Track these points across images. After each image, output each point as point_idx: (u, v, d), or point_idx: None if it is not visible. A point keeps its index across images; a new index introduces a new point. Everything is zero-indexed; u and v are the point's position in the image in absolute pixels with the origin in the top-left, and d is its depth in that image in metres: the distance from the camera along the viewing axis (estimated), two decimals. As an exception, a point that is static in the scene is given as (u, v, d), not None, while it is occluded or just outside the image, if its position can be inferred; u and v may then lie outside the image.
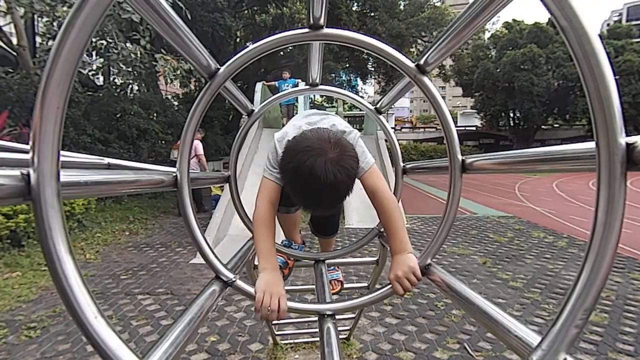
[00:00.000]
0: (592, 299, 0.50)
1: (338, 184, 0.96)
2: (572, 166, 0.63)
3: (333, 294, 1.71)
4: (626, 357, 3.02)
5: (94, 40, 8.02)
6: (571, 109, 30.29)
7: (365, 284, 2.09)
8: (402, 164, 1.47)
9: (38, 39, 10.31)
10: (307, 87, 1.39)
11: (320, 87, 1.40)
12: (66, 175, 0.54)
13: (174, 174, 0.90)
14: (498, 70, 30.84)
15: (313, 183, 0.95)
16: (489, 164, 0.87)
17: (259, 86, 9.82)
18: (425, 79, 0.92)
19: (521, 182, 18.04)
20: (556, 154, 0.65)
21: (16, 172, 0.46)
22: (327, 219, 1.74)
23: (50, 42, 8.67)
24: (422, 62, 0.91)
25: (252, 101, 1.53)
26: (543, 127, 34.61)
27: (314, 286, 1.25)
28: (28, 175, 0.46)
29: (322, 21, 0.86)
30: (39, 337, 3.25)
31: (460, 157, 0.93)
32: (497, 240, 6.87)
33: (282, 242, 1.73)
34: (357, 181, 1.21)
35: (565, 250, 6.24)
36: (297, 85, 7.43)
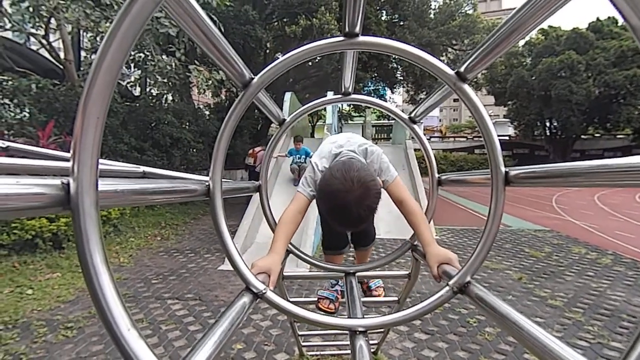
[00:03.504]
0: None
1: (362, 218, 1.17)
2: (636, 181, 0.57)
3: (377, 296, 1.95)
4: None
5: (132, 53, 8.45)
6: (614, 118, 28.70)
7: (395, 298, 2.02)
8: (437, 175, 1.41)
9: (83, 53, 10.99)
10: (339, 96, 1.37)
11: (353, 96, 1.38)
12: (104, 184, 0.54)
13: (207, 184, 0.90)
14: (533, 78, 29.75)
15: (342, 217, 1.19)
16: (537, 177, 0.81)
17: (287, 96, 9.97)
18: (466, 87, 0.87)
19: (558, 194, 17.18)
20: (619, 168, 0.58)
21: (57, 181, 0.46)
22: (362, 233, 1.87)
23: (93, 56, 9.22)
24: (462, 69, 0.86)
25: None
26: (583, 136, 32.89)
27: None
28: (68, 184, 0.46)
29: (357, 29, 0.83)
30: (75, 337, 3.38)
31: (503, 168, 0.87)
32: (533, 255, 6.53)
33: (329, 283, 1.99)
34: (384, 193, 1.41)
35: (611, 268, 5.83)
36: (310, 156, 7.20)
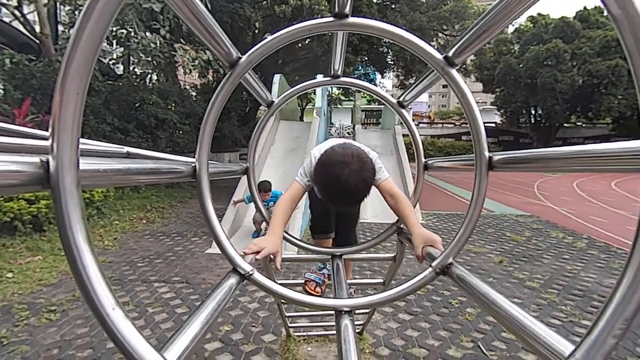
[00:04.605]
0: (633, 308, 0.46)
1: (358, 190, 1.23)
2: (615, 166, 0.59)
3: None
4: (647, 363, 2.93)
5: (114, 29, 8.13)
6: (595, 107, 29.26)
7: (380, 280, 2.06)
8: (423, 160, 1.43)
9: (60, 28, 10.52)
10: (329, 78, 1.36)
11: (342, 79, 1.37)
12: (85, 163, 0.53)
13: (193, 165, 0.89)
14: (521, 65, 29.94)
15: (339, 189, 1.21)
16: (519, 162, 0.83)
17: (276, 78, 9.80)
18: (454, 72, 0.87)
19: (540, 180, 17.60)
20: (597, 153, 0.60)
21: (35, 159, 0.45)
22: (347, 232, 1.98)
23: (71, 31, 8.78)
24: (450, 54, 0.86)
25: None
26: (565, 125, 33.54)
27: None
28: (47, 162, 0.45)
29: (347, 10, 0.82)
30: (59, 320, 3.36)
31: (487, 153, 0.89)
32: (514, 239, 6.73)
33: (317, 266, 2.07)
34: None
35: (585, 251, 6.07)
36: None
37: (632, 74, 0.44)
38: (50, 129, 0.45)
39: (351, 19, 0.84)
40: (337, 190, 1.23)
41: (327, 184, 1.25)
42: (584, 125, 35.10)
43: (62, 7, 9.13)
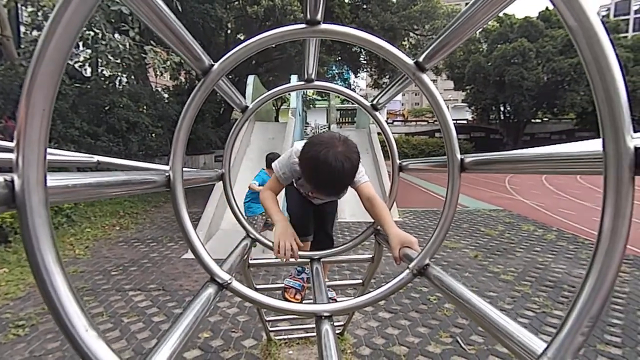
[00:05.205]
0: (598, 307, 0.49)
1: (345, 169, 1.21)
2: (577, 169, 0.62)
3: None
4: (614, 349, 3.09)
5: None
6: (560, 103, 30.61)
7: (359, 280, 2.08)
8: (398, 161, 1.46)
9: (23, 29, 10.01)
10: (302, 83, 1.36)
11: (316, 82, 1.37)
12: (53, 179, 0.51)
13: (167, 174, 0.87)
14: (489, 64, 30.94)
15: (326, 168, 1.19)
16: (489, 164, 0.86)
17: (250, 79, 9.70)
18: (424, 77, 0.89)
19: (511, 175, 18.26)
20: (561, 156, 0.63)
21: (-1, 178, 0.43)
22: (325, 234, 1.95)
23: (35, 32, 8.39)
24: (421, 59, 0.88)
25: (243, 94, 1.51)
26: (533, 121, 34.95)
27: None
28: (12, 181, 0.43)
29: (319, 17, 0.83)
30: (28, 336, 3.20)
31: (459, 156, 0.92)
32: (488, 233, 6.95)
33: (295, 270, 2.07)
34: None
35: (555, 243, 6.34)
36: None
37: (588, 79, 0.47)
38: (15, 145, 0.43)
39: (323, 26, 0.85)
40: (324, 171, 1.19)
41: (314, 166, 1.21)
42: (550, 120, 36.68)
43: (23, 7, 8.70)
